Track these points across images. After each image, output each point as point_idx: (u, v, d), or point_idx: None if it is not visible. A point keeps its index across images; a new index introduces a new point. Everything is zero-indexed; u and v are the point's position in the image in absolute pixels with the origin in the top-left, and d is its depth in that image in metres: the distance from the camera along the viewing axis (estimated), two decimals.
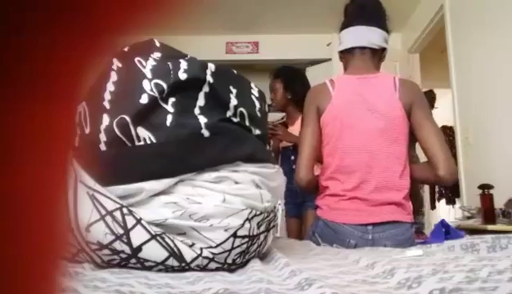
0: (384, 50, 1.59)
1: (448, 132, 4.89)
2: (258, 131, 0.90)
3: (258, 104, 0.93)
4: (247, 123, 0.87)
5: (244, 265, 0.84)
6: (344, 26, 1.60)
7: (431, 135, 1.43)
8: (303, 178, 1.50)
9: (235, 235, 0.79)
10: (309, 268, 0.76)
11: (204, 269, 0.77)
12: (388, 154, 1.43)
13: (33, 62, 0.15)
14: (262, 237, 0.87)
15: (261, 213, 0.84)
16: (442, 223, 1.32)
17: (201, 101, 0.81)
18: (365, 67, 1.54)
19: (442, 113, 5.68)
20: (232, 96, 0.86)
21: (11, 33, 0.14)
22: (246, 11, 3.95)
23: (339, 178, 1.44)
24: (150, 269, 0.74)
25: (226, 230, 0.77)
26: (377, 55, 1.57)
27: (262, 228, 0.87)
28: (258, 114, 0.92)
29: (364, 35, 1.55)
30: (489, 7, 2.62)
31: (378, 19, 1.57)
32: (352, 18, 1.58)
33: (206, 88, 0.82)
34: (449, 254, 0.96)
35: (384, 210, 1.39)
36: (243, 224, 0.79)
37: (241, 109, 0.86)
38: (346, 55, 1.59)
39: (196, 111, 0.80)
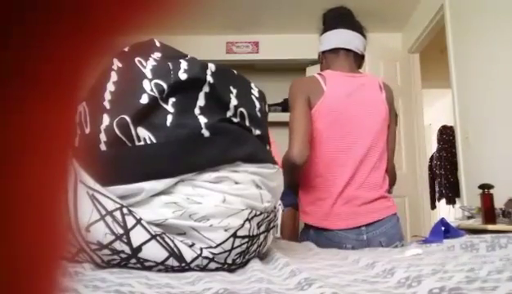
0: (363, 57, 1.64)
1: (448, 132, 4.90)
2: (258, 132, 0.90)
3: (258, 105, 0.93)
4: (247, 123, 0.87)
5: (244, 265, 0.83)
6: (326, 29, 1.61)
7: (391, 142, 1.57)
8: (304, 153, 1.35)
9: (235, 235, 0.78)
10: (309, 268, 0.76)
11: (204, 269, 0.77)
12: (377, 153, 1.47)
13: (33, 62, 0.15)
14: (262, 237, 0.87)
15: (261, 213, 0.84)
16: (442, 222, 1.32)
17: (201, 101, 0.81)
18: (350, 68, 1.57)
19: (442, 113, 5.68)
20: (232, 96, 0.85)
21: (11, 33, 0.14)
22: (246, 11, 3.95)
23: (329, 176, 1.43)
24: (150, 269, 0.74)
25: (226, 230, 0.77)
26: (358, 60, 1.61)
27: (262, 228, 0.86)
28: (258, 114, 0.92)
29: (349, 38, 1.58)
30: (489, 7, 2.62)
31: (358, 27, 1.61)
32: (335, 22, 1.60)
33: (206, 88, 0.82)
34: (448, 253, 0.96)
35: (373, 207, 1.41)
36: (243, 225, 0.79)
37: (241, 109, 0.86)
38: (329, 55, 1.59)
39: (196, 111, 0.80)
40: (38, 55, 0.15)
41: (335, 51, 1.57)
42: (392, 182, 1.59)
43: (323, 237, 1.40)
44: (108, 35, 0.16)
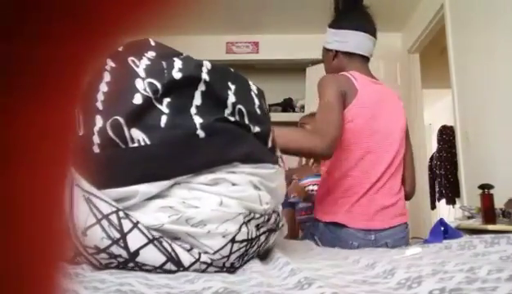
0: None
1: (448, 132, 4.89)
2: (257, 129, 0.87)
3: (257, 101, 0.90)
4: (246, 121, 0.85)
5: (243, 265, 0.83)
6: (345, 25, 1.53)
7: (408, 152, 1.56)
8: (334, 150, 1.32)
9: (233, 241, 0.77)
10: (309, 268, 0.76)
11: (202, 272, 0.76)
12: (398, 160, 1.49)
13: (34, 62, 0.15)
14: (262, 238, 0.86)
15: (261, 216, 0.83)
16: (441, 222, 1.31)
17: (198, 100, 0.79)
18: (367, 73, 1.55)
19: (442, 113, 5.68)
20: (230, 93, 0.83)
21: (12, 33, 0.14)
22: (246, 11, 3.95)
23: (356, 176, 1.43)
24: (148, 272, 0.73)
25: (223, 236, 0.76)
26: (368, 63, 1.60)
27: (263, 229, 0.85)
28: (258, 111, 0.89)
29: (368, 44, 1.54)
30: (489, 7, 2.62)
31: (374, 26, 1.57)
32: (354, 20, 1.53)
33: (202, 87, 0.80)
34: (447, 252, 0.96)
35: (387, 213, 1.43)
36: (239, 229, 0.78)
37: (240, 106, 0.84)
38: (344, 56, 1.55)
39: (192, 111, 0.78)
40: (39, 56, 0.15)
41: (352, 54, 1.54)
42: (413, 189, 1.58)
43: (331, 232, 1.41)
44: (109, 36, 0.16)
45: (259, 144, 0.88)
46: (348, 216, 1.41)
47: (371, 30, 1.54)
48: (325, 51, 1.61)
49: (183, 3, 0.17)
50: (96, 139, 0.73)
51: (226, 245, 0.76)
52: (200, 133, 0.77)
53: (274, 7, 3.88)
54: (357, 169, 1.43)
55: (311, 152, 1.36)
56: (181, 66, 0.80)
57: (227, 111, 0.82)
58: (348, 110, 1.40)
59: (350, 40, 1.52)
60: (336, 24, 1.56)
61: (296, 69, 4.49)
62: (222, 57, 4.28)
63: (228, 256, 0.77)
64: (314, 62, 4.29)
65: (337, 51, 1.55)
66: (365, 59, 1.56)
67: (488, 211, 2.21)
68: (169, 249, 0.73)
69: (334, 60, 1.57)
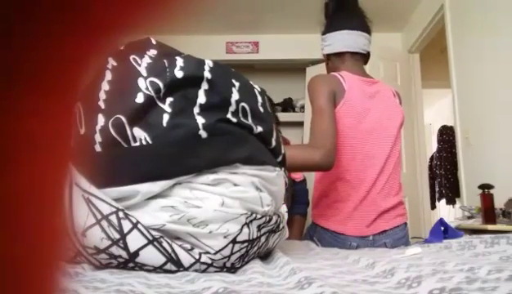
0: (368, 54, 1.59)
1: (448, 132, 4.90)
2: (260, 128, 0.86)
3: (260, 99, 0.90)
4: (249, 119, 0.84)
5: (243, 265, 0.83)
6: (331, 29, 1.55)
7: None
8: (334, 160, 1.31)
9: (234, 241, 0.77)
10: (309, 267, 0.76)
11: (202, 273, 0.76)
12: (395, 157, 1.47)
13: (34, 62, 0.15)
14: (263, 239, 0.86)
15: (262, 217, 0.83)
16: (441, 222, 1.31)
17: (202, 99, 0.79)
18: (361, 71, 1.54)
19: (442, 113, 5.68)
20: (234, 90, 0.82)
21: (11, 32, 0.14)
22: (246, 11, 3.95)
23: (350, 179, 1.41)
24: (148, 271, 0.73)
25: (225, 237, 0.76)
26: (363, 58, 1.57)
27: (264, 230, 0.85)
28: (261, 109, 0.88)
29: (354, 40, 1.52)
30: (489, 7, 2.62)
31: (364, 22, 1.55)
32: (339, 21, 1.54)
33: (205, 85, 0.80)
34: (447, 252, 0.96)
35: (387, 216, 1.41)
36: (241, 230, 0.78)
37: (243, 104, 0.83)
38: (335, 58, 1.55)
39: (196, 110, 0.78)
40: (38, 56, 0.15)
41: (341, 54, 1.53)
42: None
43: (329, 234, 1.40)
44: (109, 35, 0.16)
45: (261, 146, 0.87)
46: (345, 224, 1.39)
47: (358, 26, 1.53)
48: (323, 57, 1.64)
49: (183, 3, 0.17)
50: (97, 137, 0.73)
51: (227, 245, 0.76)
52: (203, 133, 0.77)
53: (274, 7, 3.88)
54: (350, 171, 1.41)
55: (310, 168, 1.36)
56: (182, 65, 0.80)
57: (231, 109, 0.81)
58: (336, 111, 1.40)
59: (335, 41, 1.53)
60: (324, 30, 1.59)
61: (296, 68, 4.49)
62: (222, 57, 4.28)
63: (229, 257, 0.77)
64: (314, 62, 4.30)
65: (328, 55, 1.58)
66: (356, 56, 1.54)
67: (488, 211, 2.21)
68: (169, 250, 0.72)
69: (328, 63, 1.59)
